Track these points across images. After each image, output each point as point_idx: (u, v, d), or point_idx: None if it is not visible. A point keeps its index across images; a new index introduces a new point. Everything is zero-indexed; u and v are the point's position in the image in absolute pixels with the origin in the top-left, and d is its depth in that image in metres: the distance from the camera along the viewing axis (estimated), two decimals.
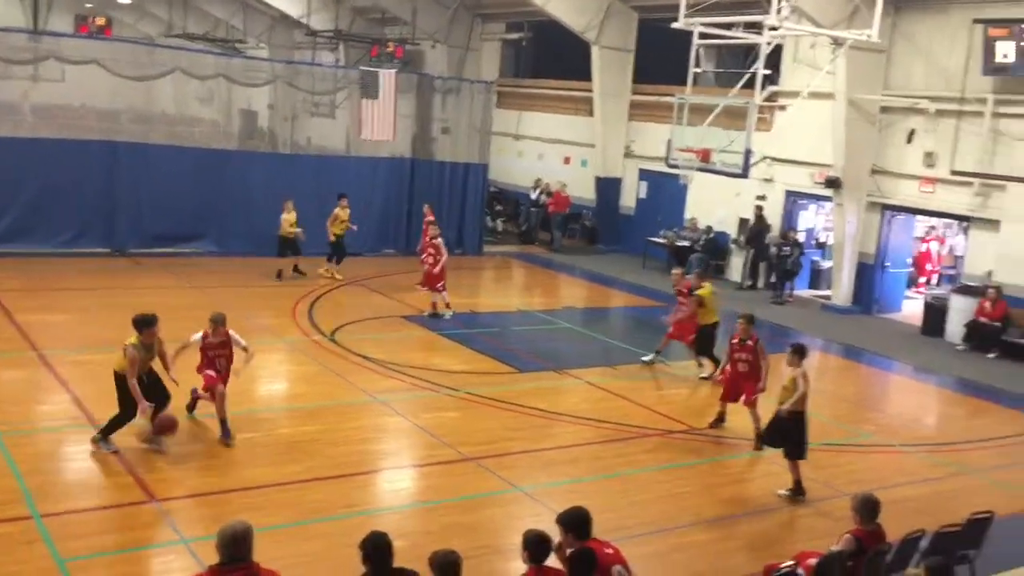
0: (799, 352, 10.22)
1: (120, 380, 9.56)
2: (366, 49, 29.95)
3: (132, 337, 9.59)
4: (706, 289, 14.13)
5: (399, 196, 23.18)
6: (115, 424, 9.64)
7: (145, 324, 9.64)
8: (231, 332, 10.60)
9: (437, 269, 16.55)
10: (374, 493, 9.71)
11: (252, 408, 11.57)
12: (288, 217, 18.76)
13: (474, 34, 29.92)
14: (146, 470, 9.29)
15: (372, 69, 22.65)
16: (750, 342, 11.46)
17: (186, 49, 25.73)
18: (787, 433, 10.05)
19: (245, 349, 10.63)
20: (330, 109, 24.29)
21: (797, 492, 10.05)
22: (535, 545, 5.84)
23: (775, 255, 21.16)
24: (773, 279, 21.18)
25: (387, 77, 21.81)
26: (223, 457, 9.84)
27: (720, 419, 12.11)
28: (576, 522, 6.15)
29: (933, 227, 23.99)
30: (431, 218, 18.28)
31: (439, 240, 16.91)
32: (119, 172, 19.85)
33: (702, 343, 14.19)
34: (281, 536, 8.05)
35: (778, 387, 10.25)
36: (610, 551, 6.14)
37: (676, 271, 15.37)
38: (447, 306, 16.86)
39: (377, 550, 5.55)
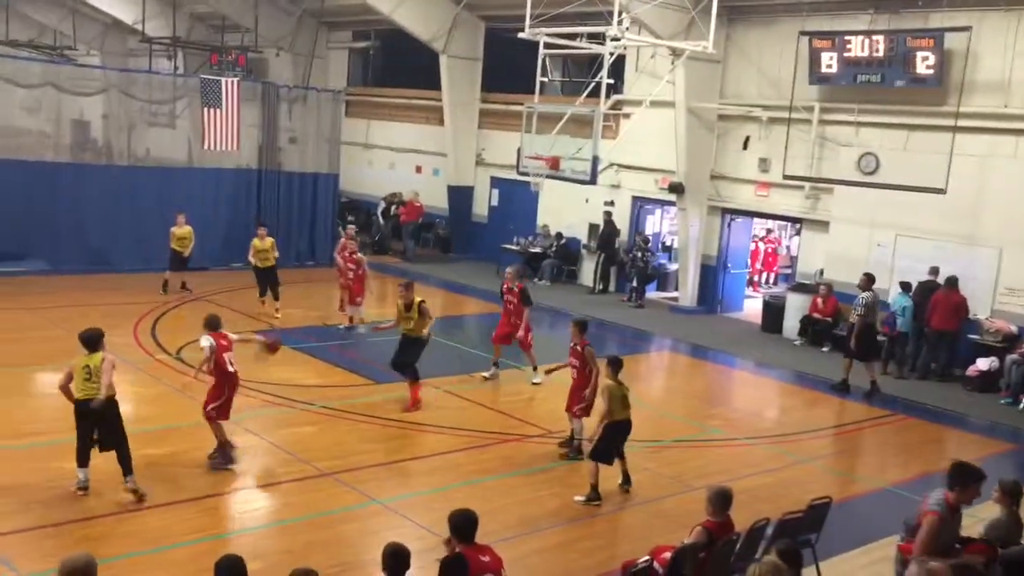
0: (612, 364, 10.23)
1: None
2: (206, 57, 28.95)
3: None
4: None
5: (246, 208, 22.53)
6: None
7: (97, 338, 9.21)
8: (232, 336, 10.51)
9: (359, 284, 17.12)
10: (226, 515, 9.35)
11: None
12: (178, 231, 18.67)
13: (320, 42, 29.44)
14: None
15: (213, 77, 21.92)
16: (579, 347, 11.29)
17: (9, 57, 24.21)
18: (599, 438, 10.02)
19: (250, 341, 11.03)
20: (170, 119, 23.33)
21: (592, 498, 9.92)
22: (391, 558, 5.76)
23: (634, 259, 21.72)
24: (635, 283, 21.77)
25: (229, 85, 21.17)
26: (59, 487, 9.24)
27: (572, 440, 11.39)
28: (458, 525, 6.20)
29: (770, 230, 25.31)
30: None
31: (359, 255, 17.27)
32: None
33: None
34: (124, 567, 7.65)
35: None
36: (486, 559, 6.14)
37: (510, 270, 15.35)
38: (351, 320, 17.22)
39: (231, 574, 5.35)
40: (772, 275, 25.62)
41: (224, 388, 10.22)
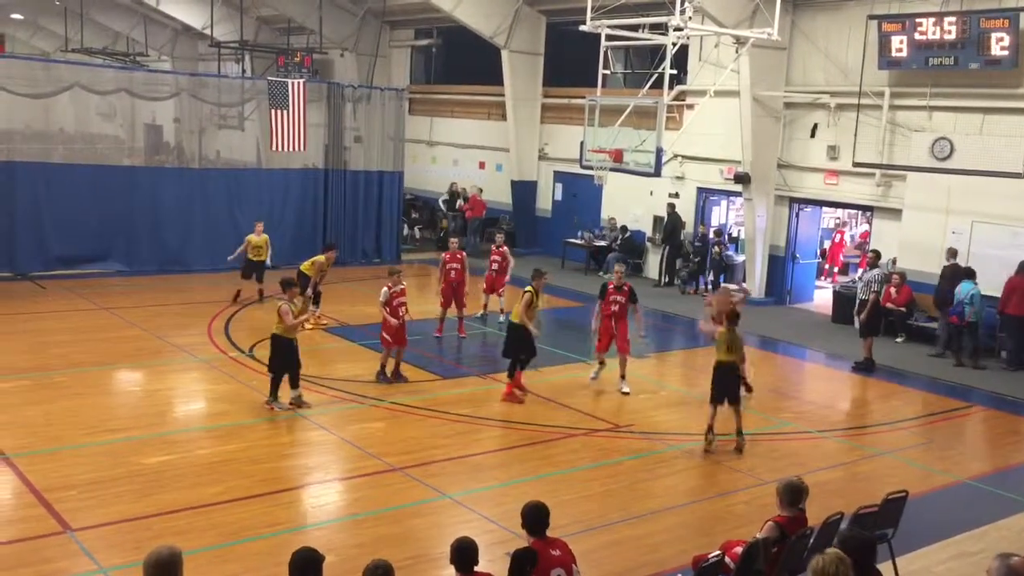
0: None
1: (275, 340, 11.95)
2: (273, 59, 29.50)
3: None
4: None
5: (314, 207, 22.90)
6: (275, 383, 12.00)
7: (289, 284, 12.27)
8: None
9: (507, 277, 17.86)
10: (299, 509, 9.53)
11: (168, 430, 11.29)
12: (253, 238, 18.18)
13: (383, 41, 29.76)
14: (57, 499, 8.95)
15: (280, 79, 22.30)
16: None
17: (85, 64, 24.96)
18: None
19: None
20: (239, 121, 23.82)
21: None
22: (458, 553, 5.81)
23: (709, 252, 21.49)
24: (711, 277, 21.56)
25: (296, 87, 21.50)
26: (139, 482, 9.54)
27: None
28: (529, 517, 6.27)
29: (838, 218, 24.74)
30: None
31: (505, 248, 17.88)
32: (18, 193, 19.23)
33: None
34: (204, 560, 7.84)
35: None
36: (556, 552, 6.18)
37: (619, 267, 14.54)
38: (502, 310, 17.92)
39: (306, 566, 5.44)
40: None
41: None
